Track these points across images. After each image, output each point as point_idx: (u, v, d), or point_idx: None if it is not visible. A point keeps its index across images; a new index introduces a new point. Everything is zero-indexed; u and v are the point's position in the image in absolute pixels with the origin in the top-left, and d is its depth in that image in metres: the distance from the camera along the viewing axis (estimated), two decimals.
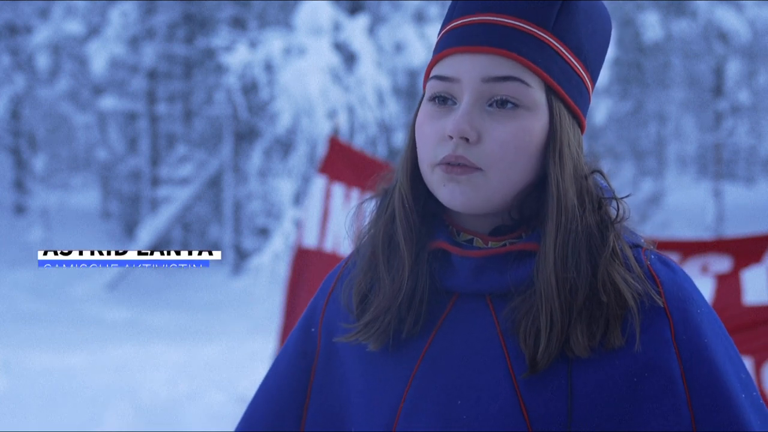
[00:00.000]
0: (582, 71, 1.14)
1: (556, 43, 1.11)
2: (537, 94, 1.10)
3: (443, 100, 1.13)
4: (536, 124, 1.10)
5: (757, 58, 18.46)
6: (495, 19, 1.11)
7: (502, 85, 1.09)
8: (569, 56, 1.12)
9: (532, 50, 1.09)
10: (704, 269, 2.93)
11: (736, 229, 16.35)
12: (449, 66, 1.12)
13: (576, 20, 1.12)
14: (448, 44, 1.13)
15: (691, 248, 2.97)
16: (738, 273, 2.88)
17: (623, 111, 18.52)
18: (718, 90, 17.93)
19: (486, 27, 1.10)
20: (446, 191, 1.11)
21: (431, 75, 1.15)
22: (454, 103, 1.12)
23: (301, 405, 1.28)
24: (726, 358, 1.10)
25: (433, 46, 1.19)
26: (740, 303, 2.83)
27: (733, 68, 18.51)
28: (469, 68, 1.10)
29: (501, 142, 1.09)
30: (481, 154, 1.09)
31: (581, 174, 1.12)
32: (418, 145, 1.15)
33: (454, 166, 1.10)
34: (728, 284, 2.86)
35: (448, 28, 1.15)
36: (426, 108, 1.15)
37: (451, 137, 1.10)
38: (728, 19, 15.90)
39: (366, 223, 1.24)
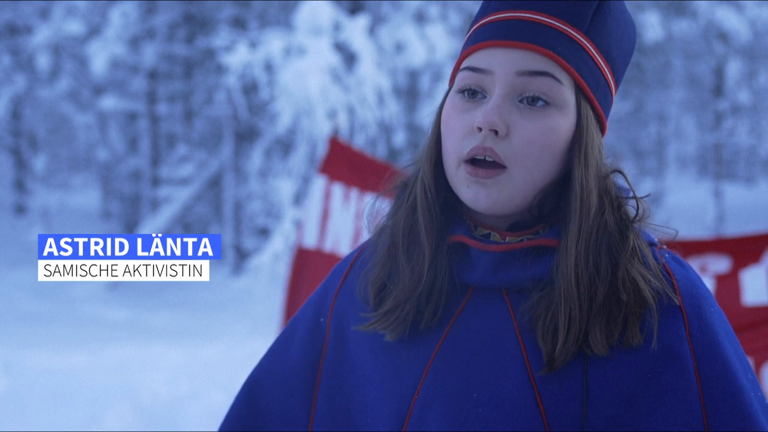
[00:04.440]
0: (609, 75, 1.15)
1: (588, 45, 1.12)
2: (567, 92, 1.10)
3: (473, 93, 1.13)
4: (564, 123, 1.10)
5: (757, 58, 18.45)
6: (531, 16, 1.11)
7: (536, 80, 1.09)
8: (599, 59, 1.13)
9: (566, 49, 1.10)
10: (703, 269, 2.92)
11: (736, 229, 16.33)
12: (483, 58, 1.12)
13: (609, 25, 1.13)
14: (483, 37, 1.13)
15: (689, 248, 2.96)
16: (737, 273, 2.87)
17: (623, 111, 18.51)
18: (718, 90, 17.92)
19: (522, 23, 1.11)
20: (470, 192, 1.11)
21: (462, 66, 1.15)
22: (484, 97, 1.12)
23: (311, 396, 1.28)
24: (735, 357, 1.10)
25: (464, 40, 1.18)
26: (740, 303, 2.83)
27: (734, 68, 18.51)
28: (503, 61, 1.10)
29: (528, 140, 1.09)
30: (508, 149, 1.09)
31: (602, 174, 1.13)
32: (443, 138, 1.15)
33: (479, 168, 1.10)
34: (727, 285, 2.86)
35: (482, 22, 1.15)
36: (454, 100, 1.14)
37: (480, 129, 1.09)
38: (728, 19, 15.89)
39: (385, 214, 1.24)
